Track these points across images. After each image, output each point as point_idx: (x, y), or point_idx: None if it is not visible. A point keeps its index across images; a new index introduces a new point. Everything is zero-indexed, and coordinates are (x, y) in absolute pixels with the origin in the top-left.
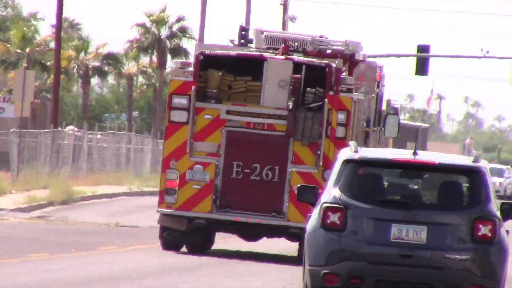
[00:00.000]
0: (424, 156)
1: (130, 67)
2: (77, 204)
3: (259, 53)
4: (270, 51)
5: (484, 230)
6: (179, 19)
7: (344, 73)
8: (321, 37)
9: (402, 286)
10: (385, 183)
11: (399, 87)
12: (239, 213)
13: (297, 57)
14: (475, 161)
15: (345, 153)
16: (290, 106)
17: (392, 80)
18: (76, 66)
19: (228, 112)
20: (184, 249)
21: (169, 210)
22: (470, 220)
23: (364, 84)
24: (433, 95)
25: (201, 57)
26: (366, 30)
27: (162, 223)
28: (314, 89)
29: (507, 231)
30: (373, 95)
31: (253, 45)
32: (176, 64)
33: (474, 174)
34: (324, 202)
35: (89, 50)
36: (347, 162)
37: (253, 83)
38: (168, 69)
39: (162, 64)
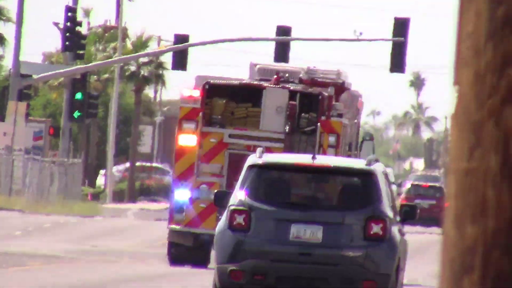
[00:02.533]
0: (322, 160)
1: None
2: None
3: (258, 82)
4: (263, 82)
5: (375, 229)
6: None
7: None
8: (313, 67)
9: (301, 282)
10: (288, 186)
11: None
12: None
13: (292, 86)
14: (368, 164)
15: (250, 159)
16: (287, 130)
17: (237, 70)
18: None
19: (230, 136)
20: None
21: (179, 227)
22: (363, 220)
23: (347, 111)
24: None
25: (207, 86)
26: (219, 11)
27: (171, 239)
28: (308, 114)
29: (401, 231)
30: (355, 121)
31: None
32: (186, 93)
33: (366, 176)
34: (231, 205)
35: None
36: (251, 167)
37: (253, 109)
38: None
39: None
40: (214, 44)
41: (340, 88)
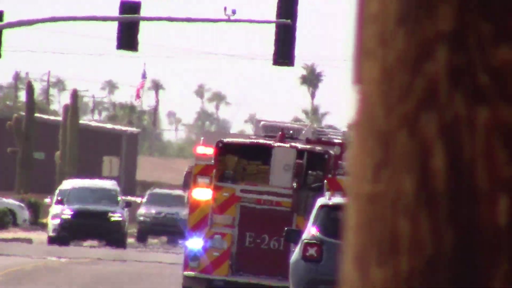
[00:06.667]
0: None
1: None
2: None
3: (267, 141)
4: (268, 138)
5: None
6: None
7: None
8: (320, 128)
9: None
10: None
11: (95, 70)
12: (251, 276)
13: (300, 145)
14: None
15: (321, 200)
16: (295, 186)
17: (85, 58)
18: None
19: (242, 190)
20: None
21: (193, 273)
22: None
23: None
24: (145, 83)
25: (220, 145)
26: None
27: (186, 285)
28: (315, 172)
29: None
30: None
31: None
32: (199, 150)
33: None
34: (305, 239)
35: None
36: (322, 207)
37: (263, 167)
38: None
39: None
40: (41, 23)
41: (346, 147)
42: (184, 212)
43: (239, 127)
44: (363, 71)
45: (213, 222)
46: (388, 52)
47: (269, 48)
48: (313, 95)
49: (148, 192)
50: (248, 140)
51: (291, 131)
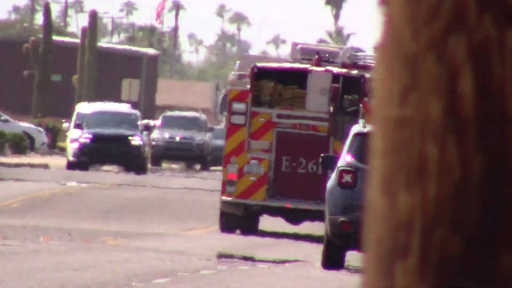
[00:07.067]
0: None
1: None
2: None
3: (303, 66)
4: (305, 61)
5: None
6: None
7: None
8: (357, 49)
9: None
10: None
11: None
12: (288, 200)
13: (335, 70)
14: None
15: (355, 128)
16: (331, 110)
17: None
18: None
19: (278, 115)
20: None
21: (230, 198)
22: None
23: None
24: (166, 3)
25: (256, 70)
26: None
27: (223, 209)
28: (350, 96)
29: None
30: None
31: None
32: (235, 76)
33: None
34: (340, 166)
35: None
36: (357, 134)
37: (299, 91)
38: None
39: None
40: None
41: None
42: (199, 137)
43: (261, 48)
44: None
45: (250, 147)
46: None
47: None
48: (337, 16)
49: (162, 115)
50: (283, 65)
51: (327, 55)
